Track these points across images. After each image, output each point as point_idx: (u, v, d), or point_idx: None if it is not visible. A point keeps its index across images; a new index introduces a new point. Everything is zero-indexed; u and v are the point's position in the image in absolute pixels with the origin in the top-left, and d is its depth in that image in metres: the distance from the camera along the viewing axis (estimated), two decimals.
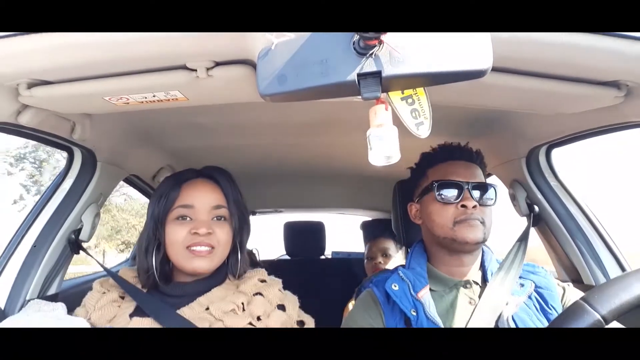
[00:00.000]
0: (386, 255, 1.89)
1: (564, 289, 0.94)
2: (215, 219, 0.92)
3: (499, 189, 0.98)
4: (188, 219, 0.90)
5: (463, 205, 0.91)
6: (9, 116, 0.85)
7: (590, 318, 0.53)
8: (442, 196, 0.93)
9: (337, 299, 1.86)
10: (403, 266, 1.01)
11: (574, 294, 0.93)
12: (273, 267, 1.02)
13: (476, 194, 0.92)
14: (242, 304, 0.88)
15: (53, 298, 1.10)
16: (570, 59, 0.68)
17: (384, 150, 0.58)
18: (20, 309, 1.00)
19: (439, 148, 1.02)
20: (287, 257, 2.47)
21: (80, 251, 1.17)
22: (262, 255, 2.44)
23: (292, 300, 0.95)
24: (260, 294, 0.92)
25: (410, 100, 0.63)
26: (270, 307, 0.90)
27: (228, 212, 0.93)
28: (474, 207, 0.91)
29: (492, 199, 0.95)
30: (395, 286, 0.92)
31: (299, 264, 2.35)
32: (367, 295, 0.99)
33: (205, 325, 0.84)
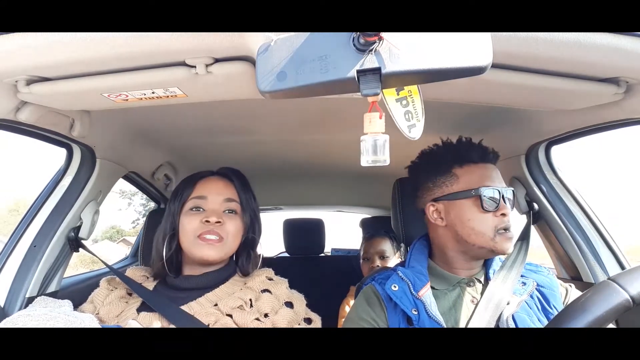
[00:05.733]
0: (383, 258, 1.86)
1: (566, 289, 0.92)
2: (227, 211, 0.95)
3: None
4: (201, 209, 0.94)
5: (503, 214, 0.88)
6: (8, 113, 0.85)
7: (619, 297, 0.54)
8: (487, 205, 0.88)
9: (337, 296, 1.86)
10: (402, 265, 0.99)
11: (576, 296, 0.92)
12: (272, 265, 1.03)
13: (508, 201, 0.90)
14: (250, 300, 0.90)
15: (53, 296, 1.09)
16: (570, 55, 0.68)
17: (374, 156, 0.60)
18: (20, 306, 1.00)
19: (467, 146, 0.96)
20: (286, 254, 2.47)
21: (80, 249, 1.17)
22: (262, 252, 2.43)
23: (299, 298, 0.97)
24: (268, 290, 0.93)
25: (404, 102, 0.64)
26: (278, 303, 0.91)
27: (240, 206, 0.97)
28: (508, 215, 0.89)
29: (513, 205, 0.94)
30: (394, 287, 0.90)
31: (298, 261, 2.35)
32: (369, 291, 0.97)
33: (212, 320, 0.85)
